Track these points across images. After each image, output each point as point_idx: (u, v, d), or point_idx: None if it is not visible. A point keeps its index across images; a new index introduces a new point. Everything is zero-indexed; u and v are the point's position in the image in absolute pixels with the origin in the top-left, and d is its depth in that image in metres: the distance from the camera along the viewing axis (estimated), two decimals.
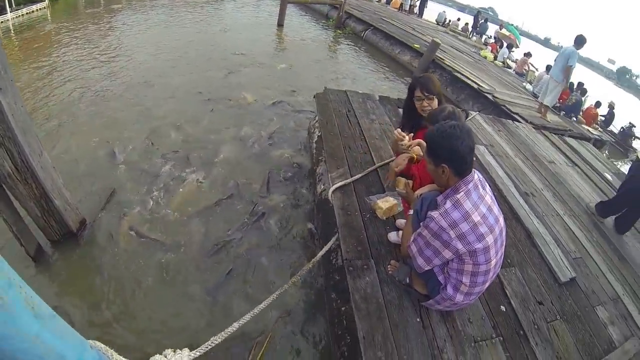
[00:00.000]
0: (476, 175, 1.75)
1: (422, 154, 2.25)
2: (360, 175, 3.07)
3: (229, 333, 1.47)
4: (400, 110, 4.83)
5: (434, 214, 1.65)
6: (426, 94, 2.41)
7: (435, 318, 2.11)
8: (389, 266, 2.27)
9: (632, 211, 3.69)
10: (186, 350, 1.15)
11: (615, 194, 4.58)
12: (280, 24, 9.78)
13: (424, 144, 2.21)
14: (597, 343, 2.47)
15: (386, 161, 3.37)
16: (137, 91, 5.10)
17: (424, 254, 1.76)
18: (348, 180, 2.93)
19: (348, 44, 10.21)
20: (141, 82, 5.36)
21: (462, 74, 8.54)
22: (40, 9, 7.24)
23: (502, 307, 2.43)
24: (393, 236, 2.52)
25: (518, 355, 2.16)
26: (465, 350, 2.03)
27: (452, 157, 1.63)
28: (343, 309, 2.35)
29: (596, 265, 3.18)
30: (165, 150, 3.97)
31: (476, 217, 1.62)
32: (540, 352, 2.23)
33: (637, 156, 3.59)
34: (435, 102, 2.46)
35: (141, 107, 4.71)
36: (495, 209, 1.76)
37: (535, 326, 2.38)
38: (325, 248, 2.36)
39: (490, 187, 1.86)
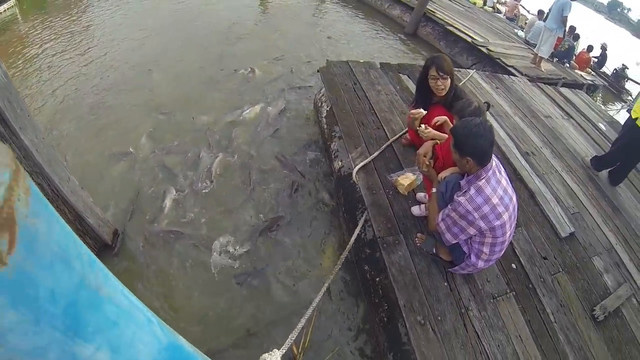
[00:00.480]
0: (494, 162, 2.03)
1: (443, 136, 2.50)
2: (377, 152, 3.29)
3: (299, 329, 1.74)
4: (403, 77, 5.01)
5: (461, 199, 1.94)
6: (441, 74, 2.62)
7: (459, 281, 2.46)
8: (416, 239, 2.59)
9: (625, 164, 4.04)
10: (276, 351, 1.40)
11: (608, 144, 4.94)
12: None
13: (449, 121, 2.45)
14: (594, 290, 2.90)
15: (398, 135, 3.57)
16: (134, 82, 4.94)
17: (451, 231, 2.07)
18: (368, 160, 3.16)
19: (334, 2, 9.89)
20: (136, 72, 5.15)
21: (455, 27, 8.48)
22: (8, 8, 6.71)
23: (512, 264, 2.79)
24: (416, 210, 2.81)
25: (529, 305, 2.56)
26: (486, 306, 2.41)
27: (476, 152, 1.90)
28: (377, 279, 2.69)
29: (592, 218, 3.56)
30: (178, 142, 4.02)
31: (495, 200, 1.93)
32: (547, 302, 2.64)
33: (631, 113, 3.84)
34: (449, 81, 2.67)
35: (143, 99, 4.61)
36: (510, 189, 2.06)
37: (542, 279, 2.77)
38: (357, 231, 2.65)
39: (503, 165, 2.15)
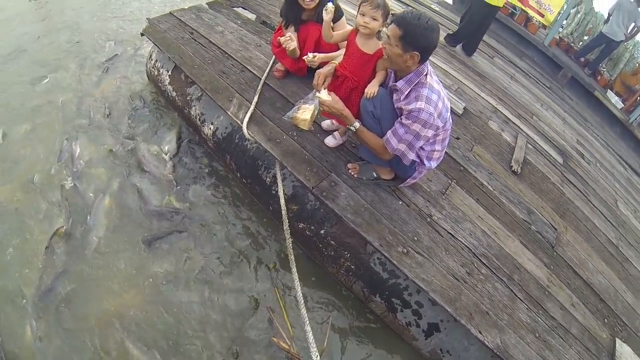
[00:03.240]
0: None
1: (336, 55, 2.24)
2: (257, 97, 2.83)
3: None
4: (238, 10, 4.48)
5: (421, 105, 1.74)
6: None
7: (408, 194, 2.36)
8: (349, 171, 2.33)
9: (475, 36, 4.51)
10: None
11: (447, 21, 5.46)
12: None
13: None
14: (503, 149, 3.22)
15: (269, 68, 3.16)
16: None
17: (414, 147, 1.88)
18: (252, 108, 2.68)
19: None
20: None
21: None
22: None
23: None
24: (330, 141, 2.54)
25: (470, 186, 2.67)
26: (442, 204, 2.39)
27: (428, 47, 1.72)
28: (322, 231, 2.39)
29: (469, 88, 3.90)
30: None
31: (442, 93, 1.82)
32: (479, 175, 2.80)
33: None
34: None
35: None
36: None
37: (466, 158, 2.91)
38: (281, 193, 2.26)
39: None
